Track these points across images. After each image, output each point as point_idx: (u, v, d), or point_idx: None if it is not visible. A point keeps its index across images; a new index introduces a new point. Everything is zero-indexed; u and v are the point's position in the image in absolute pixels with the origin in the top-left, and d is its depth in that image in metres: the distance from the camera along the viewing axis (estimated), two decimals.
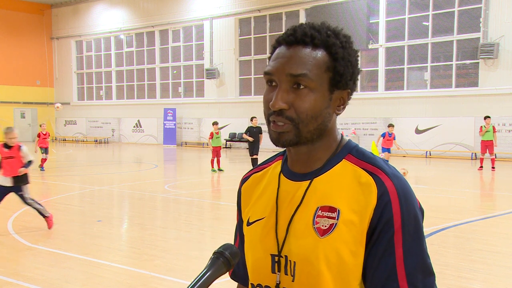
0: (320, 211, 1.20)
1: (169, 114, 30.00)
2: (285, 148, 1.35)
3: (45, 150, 16.43)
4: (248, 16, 27.48)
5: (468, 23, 21.17)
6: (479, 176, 15.28)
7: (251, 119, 15.85)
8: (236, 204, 1.46)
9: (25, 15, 35.56)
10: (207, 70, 28.50)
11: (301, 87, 1.18)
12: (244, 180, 1.43)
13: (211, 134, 16.06)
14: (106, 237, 7.64)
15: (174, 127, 29.99)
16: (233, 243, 1.45)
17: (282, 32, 1.28)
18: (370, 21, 23.68)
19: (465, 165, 18.75)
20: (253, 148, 15.44)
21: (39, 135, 16.55)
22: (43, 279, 5.46)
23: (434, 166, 17.29)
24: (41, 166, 16.17)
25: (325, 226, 1.18)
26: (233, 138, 27.67)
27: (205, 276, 1.13)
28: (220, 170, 16.12)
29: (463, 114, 20.92)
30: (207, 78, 28.62)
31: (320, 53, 1.20)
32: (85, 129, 35.63)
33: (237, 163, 21.01)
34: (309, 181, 1.24)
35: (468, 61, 21.44)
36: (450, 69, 21.86)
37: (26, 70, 35.62)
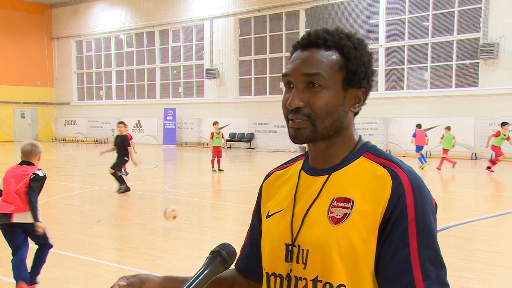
0: (335, 202, 1.25)
1: (169, 114, 30.01)
2: (305, 148, 1.43)
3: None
4: (248, 16, 27.47)
5: (468, 23, 21.18)
6: (479, 176, 15.27)
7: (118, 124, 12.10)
8: (255, 199, 1.51)
9: (25, 15, 35.56)
10: (207, 70, 28.49)
11: (316, 85, 1.26)
12: (267, 176, 1.50)
13: (212, 134, 16.09)
14: (106, 237, 7.64)
15: (174, 127, 29.99)
16: (243, 242, 1.52)
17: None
18: (370, 21, 23.68)
19: (465, 165, 18.75)
20: (119, 161, 11.75)
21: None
22: (43, 279, 5.45)
23: (434, 166, 17.27)
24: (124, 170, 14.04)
25: (339, 215, 1.23)
26: (233, 138, 27.66)
27: (202, 275, 1.15)
28: (220, 170, 16.12)
29: (463, 114, 20.91)
30: (207, 78, 28.62)
31: (333, 54, 1.28)
32: (85, 129, 35.63)
33: (237, 163, 21.02)
34: (327, 175, 1.30)
35: (468, 61, 21.44)
36: (450, 69, 21.86)
37: (26, 70, 35.61)
